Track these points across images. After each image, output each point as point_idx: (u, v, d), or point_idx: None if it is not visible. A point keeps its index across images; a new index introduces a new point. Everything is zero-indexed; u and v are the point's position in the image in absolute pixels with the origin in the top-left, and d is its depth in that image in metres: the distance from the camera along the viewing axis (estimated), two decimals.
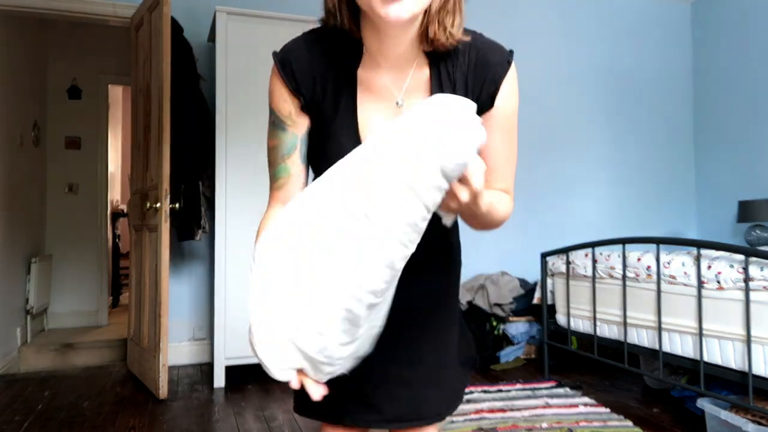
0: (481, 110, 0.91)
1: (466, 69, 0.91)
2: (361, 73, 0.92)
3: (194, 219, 3.10)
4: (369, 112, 0.93)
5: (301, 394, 1.04)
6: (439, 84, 0.92)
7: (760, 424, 1.92)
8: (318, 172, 0.96)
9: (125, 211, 5.23)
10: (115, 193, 5.81)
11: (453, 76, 0.92)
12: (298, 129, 0.94)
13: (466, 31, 0.89)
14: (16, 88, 3.67)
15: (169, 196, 2.73)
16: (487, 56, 0.91)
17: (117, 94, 5.40)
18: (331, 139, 0.94)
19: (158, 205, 2.75)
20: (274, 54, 0.93)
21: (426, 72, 0.92)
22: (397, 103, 0.92)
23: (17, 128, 3.69)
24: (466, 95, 0.91)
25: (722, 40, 4.36)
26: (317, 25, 0.93)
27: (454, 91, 0.92)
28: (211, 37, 3.22)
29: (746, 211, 3.85)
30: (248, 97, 3.00)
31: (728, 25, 4.31)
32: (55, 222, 4.43)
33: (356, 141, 0.91)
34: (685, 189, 4.54)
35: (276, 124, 0.94)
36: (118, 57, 4.42)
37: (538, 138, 4.05)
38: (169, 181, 2.77)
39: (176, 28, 3.10)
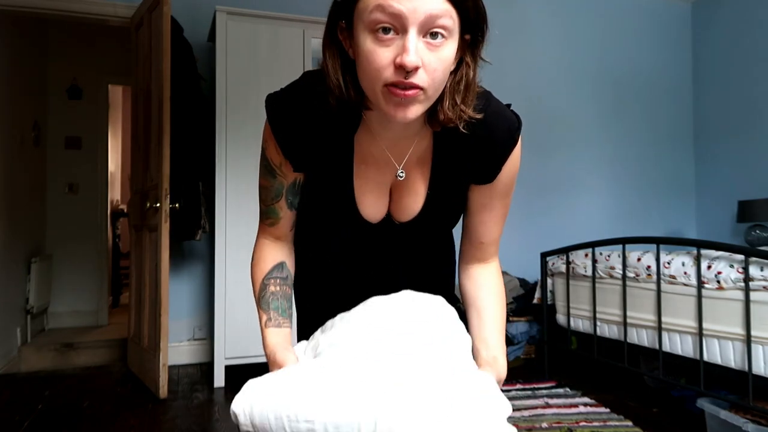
0: (481, 182, 0.92)
1: (471, 145, 0.88)
2: (359, 138, 0.90)
3: (194, 219, 3.10)
4: (365, 180, 0.92)
5: None
6: (439, 160, 0.91)
7: (759, 423, 1.92)
8: (309, 226, 1.01)
9: (125, 211, 5.23)
10: (115, 193, 5.80)
11: (455, 151, 0.89)
12: (287, 179, 0.94)
13: (478, 96, 0.84)
14: (16, 88, 3.67)
15: (169, 196, 2.73)
16: (494, 134, 0.87)
17: (117, 94, 5.39)
18: (325, 202, 0.95)
19: (158, 204, 2.75)
20: (268, 105, 0.89)
21: (427, 143, 0.90)
22: (398, 176, 0.91)
23: (17, 128, 3.69)
24: (467, 171, 0.91)
25: (722, 40, 4.36)
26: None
27: (454, 169, 0.91)
28: (211, 37, 3.22)
29: (746, 210, 3.85)
30: (248, 97, 3.00)
31: (728, 25, 4.31)
32: (55, 222, 4.42)
33: (352, 207, 0.92)
34: (685, 189, 4.54)
35: (267, 168, 0.94)
36: (118, 57, 4.41)
37: (538, 138, 4.05)
38: (169, 181, 2.77)
39: (176, 28, 3.10)
